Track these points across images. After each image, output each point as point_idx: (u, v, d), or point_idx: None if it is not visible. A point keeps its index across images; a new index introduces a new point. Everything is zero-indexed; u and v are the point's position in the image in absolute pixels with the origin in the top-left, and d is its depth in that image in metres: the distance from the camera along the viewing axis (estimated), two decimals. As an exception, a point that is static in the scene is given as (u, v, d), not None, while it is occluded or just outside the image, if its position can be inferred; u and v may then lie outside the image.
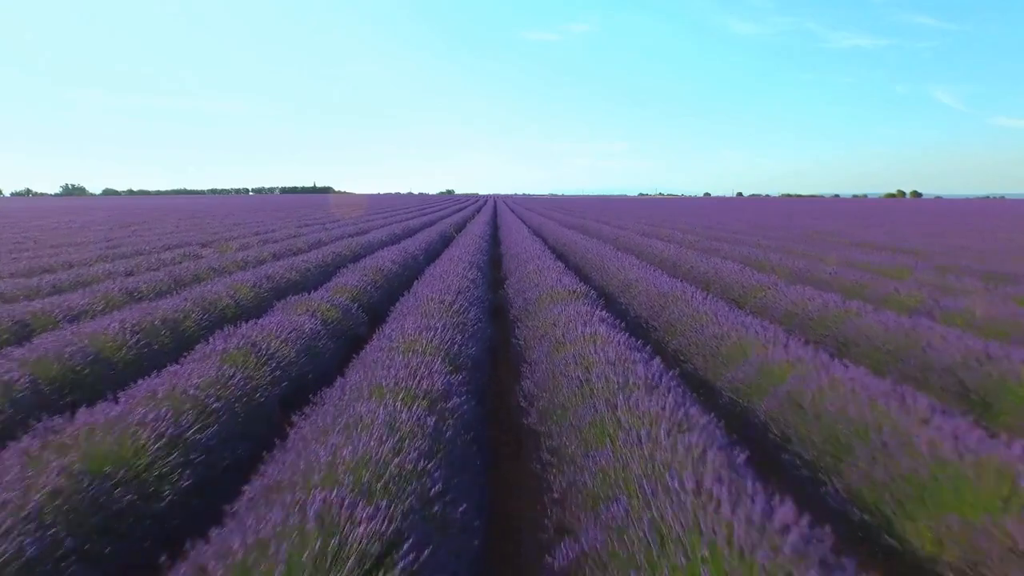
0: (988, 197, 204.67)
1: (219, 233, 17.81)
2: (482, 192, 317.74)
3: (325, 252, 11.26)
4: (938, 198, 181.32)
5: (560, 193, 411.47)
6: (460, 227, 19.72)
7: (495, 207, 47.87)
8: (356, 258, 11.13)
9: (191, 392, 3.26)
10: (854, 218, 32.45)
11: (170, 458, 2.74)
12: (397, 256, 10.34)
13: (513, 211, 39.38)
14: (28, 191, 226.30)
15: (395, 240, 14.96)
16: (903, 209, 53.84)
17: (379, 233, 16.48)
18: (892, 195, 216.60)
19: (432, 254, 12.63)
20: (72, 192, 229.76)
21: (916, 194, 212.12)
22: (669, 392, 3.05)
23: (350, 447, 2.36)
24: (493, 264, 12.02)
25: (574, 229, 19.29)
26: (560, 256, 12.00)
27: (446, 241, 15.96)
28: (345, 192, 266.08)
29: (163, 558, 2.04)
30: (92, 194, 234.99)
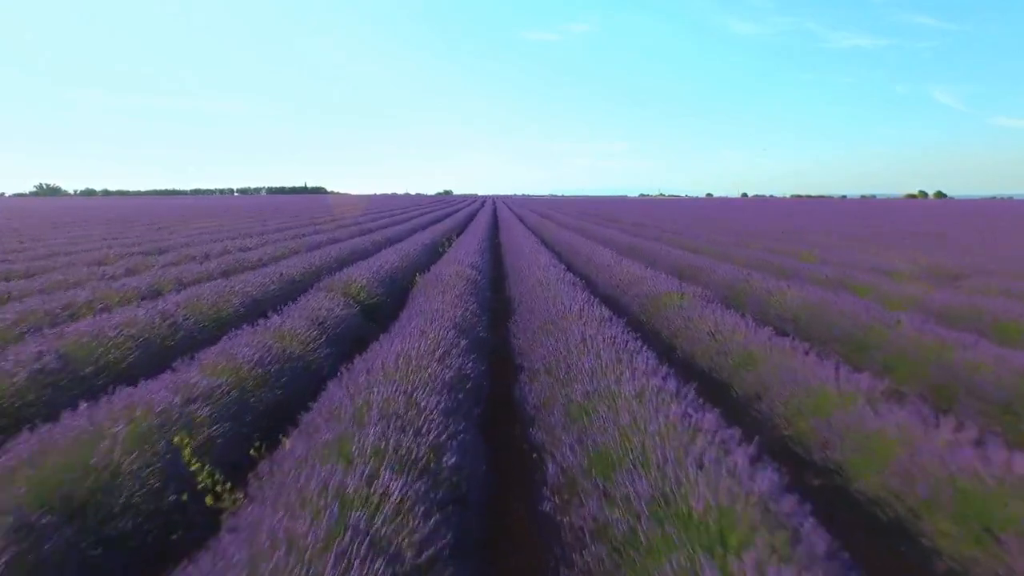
0: (994, 198, 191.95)
1: None
2: (481, 192, 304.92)
3: None
4: (943, 198, 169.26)
5: (560, 194, 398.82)
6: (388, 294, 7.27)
7: (494, 213, 35.37)
8: None
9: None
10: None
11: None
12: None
13: (521, 219, 26.93)
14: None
15: None
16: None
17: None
18: (913, 196, 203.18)
19: None
20: (46, 192, 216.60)
21: (940, 195, 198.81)
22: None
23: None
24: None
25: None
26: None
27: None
28: (337, 192, 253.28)
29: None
30: (67, 193, 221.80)
